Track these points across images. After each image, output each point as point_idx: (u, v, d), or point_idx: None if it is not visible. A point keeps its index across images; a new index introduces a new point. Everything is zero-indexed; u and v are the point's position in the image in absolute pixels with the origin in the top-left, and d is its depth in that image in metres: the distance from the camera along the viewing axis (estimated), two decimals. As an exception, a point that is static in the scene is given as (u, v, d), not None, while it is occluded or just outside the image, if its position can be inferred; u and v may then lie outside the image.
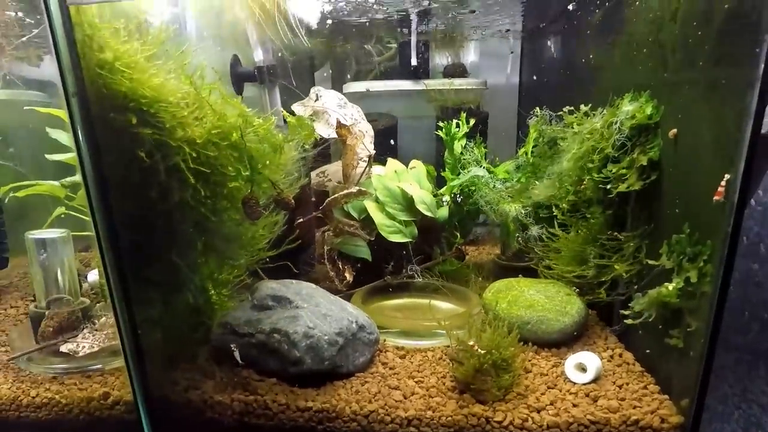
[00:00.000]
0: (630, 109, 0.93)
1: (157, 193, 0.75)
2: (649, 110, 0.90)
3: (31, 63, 1.62)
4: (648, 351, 0.93)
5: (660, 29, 0.89)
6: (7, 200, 1.08)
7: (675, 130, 0.84)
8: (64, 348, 0.92)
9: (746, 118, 0.66)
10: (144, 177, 0.75)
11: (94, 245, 0.78)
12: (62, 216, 1.15)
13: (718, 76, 0.73)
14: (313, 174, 1.36)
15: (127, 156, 0.74)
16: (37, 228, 1.13)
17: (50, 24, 0.67)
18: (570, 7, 1.41)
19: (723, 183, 0.70)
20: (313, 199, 1.27)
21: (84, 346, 0.91)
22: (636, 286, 0.94)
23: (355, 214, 1.28)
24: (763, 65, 0.63)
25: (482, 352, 0.83)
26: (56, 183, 1.10)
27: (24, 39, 1.28)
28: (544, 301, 1.03)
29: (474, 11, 1.46)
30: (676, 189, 0.85)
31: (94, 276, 1.27)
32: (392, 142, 1.68)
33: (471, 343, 0.83)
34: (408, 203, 1.29)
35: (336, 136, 1.24)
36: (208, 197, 0.78)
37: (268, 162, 0.82)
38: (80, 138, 0.71)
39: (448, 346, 1.00)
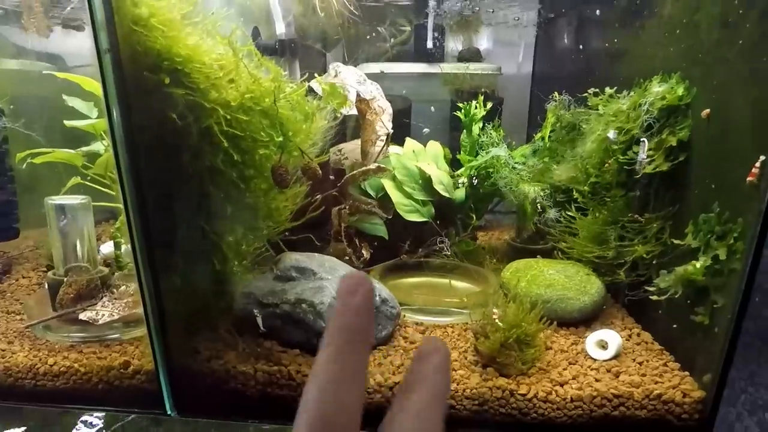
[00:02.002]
0: (660, 90, 0.93)
1: (188, 157, 0.74)
2: (680, 91, 0.90)
3: (41, 34, 1.58)
4: (668, 330, 0.94)
5: (697, 9, 0.88)
6: (24, 166, 1.06)
7: (708, 111, 0.84)
8: (83, 316, 0.91)
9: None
10: (175, 139, 0.73)
11: (120, 212, 0.76)
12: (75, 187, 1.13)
13: (758, 56, 0.72)
14: (330, 152, 1.35)
15: (158, 117, 0.72)
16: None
17: (85, -23, 0.65)
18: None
19: (757, 165, 0.70)
20: (332, 177, 1.26)
21: (104, 314, 0.90)
22: (657, 267, 0.94)
23: (372, 193, 1.27)
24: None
25: (505, 326, 0.84)
26: (73, 152, 1.08)
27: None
28: (564, 280, 1.03)
29: None
30: (707, 169, 0.85)
31: (107, 249, 1.26)
32: (407, 122, 1.67)
33: (495, 313, 0.83)
34: (425, 183, 1.29)
35: (355, 111, 1.23)
36: (239, 163, 0.77)
37: (301, 128, 0.81)
38: (111, 97, 0.69)
39: (467, 323, 1.00)
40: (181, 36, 0.68)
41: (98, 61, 0.68)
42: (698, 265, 0.81)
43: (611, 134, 0.98)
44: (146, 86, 0.71)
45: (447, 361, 0.39)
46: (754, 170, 0.71)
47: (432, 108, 1.78)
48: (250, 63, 0.76)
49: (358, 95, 1.16)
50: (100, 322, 0.90)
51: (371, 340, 0.42)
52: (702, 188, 0.86)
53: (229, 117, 0.72)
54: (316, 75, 1.12)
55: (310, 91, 1.17)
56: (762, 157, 0.70)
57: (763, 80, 0.71)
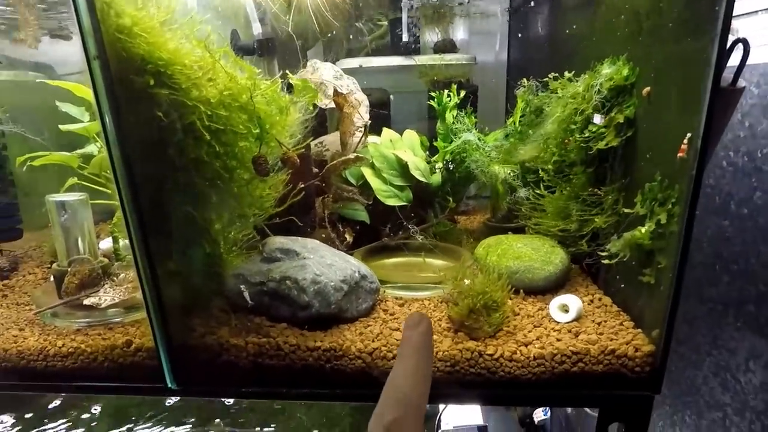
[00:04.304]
0: (608, 71, 1.01)
1: (175, 150, 0.82)
2: (625, 72, 0.98)
3: (31, 46, 1.66)
4: (623, 291, 1.03)
5: (635, -4, 0.96)
6: (24, 169, 1.14)
7: (648, 89, 0.92)
8: (87, 301, 0.99)
9: (707, 73, 0.73)
10: (162, 135, 0.81)
11: (116, 206, 0.84)
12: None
13: (684, 36, 0.80)
14: (311, 144, 1.43)
15: (146, 116, 0.80)
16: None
17: (71, -10, 0.72)
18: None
19: (685, 141, 0.78)
20: (315, 169, 1.34)
21: (106, 299, 0.98)
22: (614, 235, 1.02)
23: (353, 181, 1.35)
24: (721, 23, 0.71)
25: (473, 293, 0.92)
26: (69, 154, 1.16)
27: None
28: (531, 252, 1.12)
29: None
30: (649, 142, 0.94)
31: (106, 244, 1.34)
32: (385, 113, 1.74)
33: (466, 282, 0.91)
34: (403, 169, 1.36)
35: (333, 105, 1.30)
36: (221, 154, 0.84)
37: (276, 120, 0.88)
38: (102, 99, 0.76)
39: (442, 296, 1.08)
40: (162, 41, 0.76)
41: (88, 67, 0.75)
42: (644, 230, 0.90)
43: (597, 119, 1.03)
44: (133, 88, 0.78)
45: (429, 327, 0.63)
46: (683, 146, 0.79)
47: (409, 98, 1.86)
48: (227, 63, 0.83)
49: (335, 90, 1.24)
50: (103, 305, 0.98)
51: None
52: (647, 160, 0.94)
53: (210, 113, 0.80)
54: (294, 71, 1.20)
55: (289, 87, 1.25)
56: (689, 134, 0.78)
57: (686, 62, 0.79)
